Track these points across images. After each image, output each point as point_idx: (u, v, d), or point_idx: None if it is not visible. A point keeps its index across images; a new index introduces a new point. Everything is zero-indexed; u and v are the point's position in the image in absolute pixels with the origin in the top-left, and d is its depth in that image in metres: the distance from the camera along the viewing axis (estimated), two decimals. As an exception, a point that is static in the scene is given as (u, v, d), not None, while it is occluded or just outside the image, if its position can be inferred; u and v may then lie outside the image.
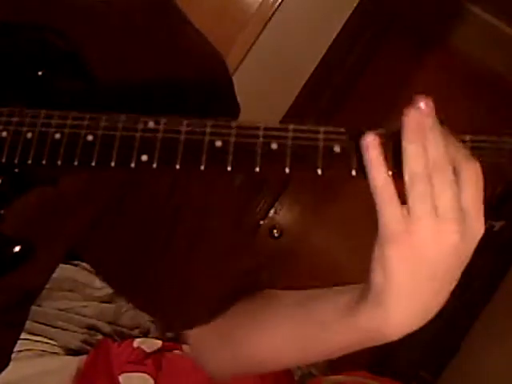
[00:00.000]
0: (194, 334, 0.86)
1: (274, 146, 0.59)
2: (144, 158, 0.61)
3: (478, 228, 0.58)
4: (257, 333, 0.79)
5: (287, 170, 0.58)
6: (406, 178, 0.57)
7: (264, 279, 0.86)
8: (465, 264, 0.60)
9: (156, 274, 0.83)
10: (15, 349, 0.93)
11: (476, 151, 0.57)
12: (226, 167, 0.59)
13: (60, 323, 2.05)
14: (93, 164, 0.62)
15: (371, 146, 0.57)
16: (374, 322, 0.63)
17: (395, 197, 0.57)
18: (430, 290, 0.61)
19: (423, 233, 0.57)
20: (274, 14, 2.86)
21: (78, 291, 2.19)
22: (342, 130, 0.59)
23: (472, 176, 0.57)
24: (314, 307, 0.72)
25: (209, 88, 0.83)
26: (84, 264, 2.04)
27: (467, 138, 0.58)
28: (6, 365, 0.91)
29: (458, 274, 0.60)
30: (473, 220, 0.58)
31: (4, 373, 0.90)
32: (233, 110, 0.87)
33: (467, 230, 0.58)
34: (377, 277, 0.60)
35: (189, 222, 0.81)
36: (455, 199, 0.57)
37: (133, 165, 0.61)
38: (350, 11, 2.85)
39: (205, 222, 0.82)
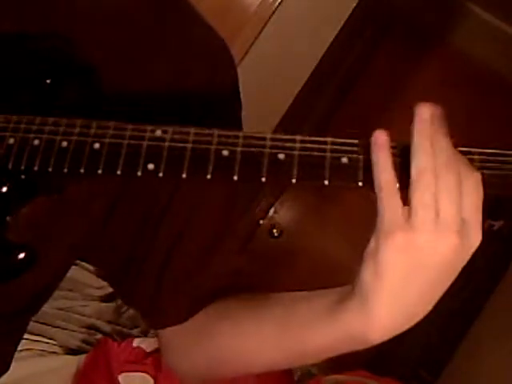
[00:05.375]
0: (166, 332, 0.85)
1: (281, 156, 0.59)
2: (150, 166, 0.61)
3: (475, 239, 0.58)
4: (238, 334, 0.78)
5: (294, 181, 0.58)
6: (413, 172, 0.57)
7: (248, 280, 0.85)
8: (457, 272, 0.60)
9: (138, 267, 0.83)
10: (14, 349, 0.94)
11: (484, 164, 0.57)
12: (233, 176, 0.59)
13: (60, 323, 2.05)
14: (99, 172, 0.62)
15: (381, 143, 0.58)
16: (359, 322, 0.63)
17: (398, 193, 0.58)
18: (419, 295, 0.61)
19: (422, 235, 0.57)
20: (273, 13, 2.85)
21: (77, 291, 2.18)
22: (350, 141, 0.59)
23: (474, 185, 0.57)
24: (298, 308, 0.72)
25: (214, 86, 0.83)
26: (84, 264, 2.04)
27: (474, 151, 0.58)
28: (7, 369, 0.91)
29: (448, 282, 0.60)
30: (471, 230, 0.58)
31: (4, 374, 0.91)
32: (235, 109, 0.87)
33: (465, 240, 0.58)
34: (367, 274, 0.60)
35: (176, 216, 0.81)
36: (458, 207, 0.57)
37: (139, 173, 0.61)
38: (350, 11, 2.85)
39: (192, 217, 0.81)
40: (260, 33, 2.86)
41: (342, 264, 3.11)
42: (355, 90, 3.28)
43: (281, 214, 3.32)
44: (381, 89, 3.18)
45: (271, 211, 3.30)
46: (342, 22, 2.84)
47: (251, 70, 2.83)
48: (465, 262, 0.59)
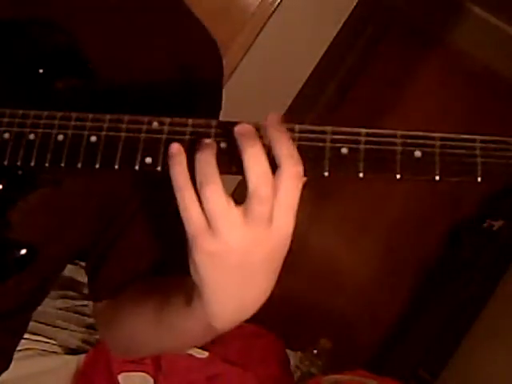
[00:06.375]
0: (98, 308, 0.89)
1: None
2: (148, 160, 0.60)
3: (285, 227, 0.58)
4: (134, 315, 0.81)
5: None
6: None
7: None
8: (277, 259, 0.60)
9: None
10: (14, 348, 0.94)
11: (485, 152, 0.56)
12: (231, 168, 0.59)
13: (59, 322, 2.05)
14: (97, 166, 0.61)
15: (174, 151, 0.59)
16: (204, 313, 0.64)
17: (195, 197, 0.58)
18: (242, 286, 0.61)
19: (226, 234, 0.57)
20: (273, 13, 2.86)
21: (77, 290, 2.18)
22: (346, 129, 0.59)
23: (289, 178, 0.57)
24: (170, 294, 0.73)
25: (199, 83, 0.83)
26: (83, 263, 2.04)
27: (478, 138, 0.57)
28: (8, 366, 0.91)
29: (270, 269, 0.61)
30: (280, 219, 0.57)
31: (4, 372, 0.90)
32: (216, 107, 0.88)
33: (273, 230, 0.57)
34: (194, 276, 0.61)
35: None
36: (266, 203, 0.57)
37: (137, 167, 0.61)
38: (350, 11, 2.85)
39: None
40: (260, 33, 2.86)
41: (341, 264, 3.11)
42: (355, 90, 3.28)
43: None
44: (381, 89, 3.18)
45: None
46: (342, 22, 2.85)
47: (251, 69, 2.83)
48: (280, 247, 0.59)
